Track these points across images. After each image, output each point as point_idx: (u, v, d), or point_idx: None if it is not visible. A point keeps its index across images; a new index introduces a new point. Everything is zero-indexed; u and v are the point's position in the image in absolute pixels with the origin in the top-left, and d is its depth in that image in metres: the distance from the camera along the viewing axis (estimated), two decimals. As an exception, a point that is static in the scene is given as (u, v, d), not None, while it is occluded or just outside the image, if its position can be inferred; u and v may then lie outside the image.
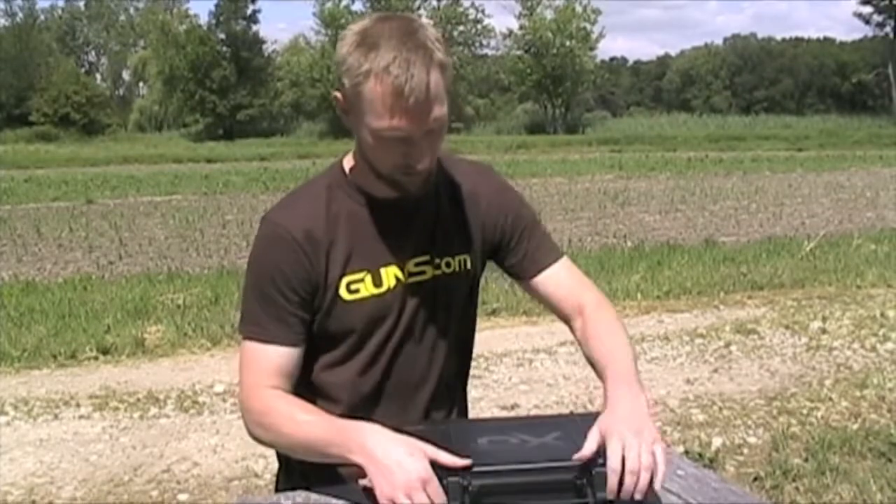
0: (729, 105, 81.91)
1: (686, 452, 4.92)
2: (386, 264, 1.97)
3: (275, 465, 2.21)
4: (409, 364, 2.04)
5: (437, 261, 2.03)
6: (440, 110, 1.78)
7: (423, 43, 1.74)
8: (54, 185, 27.04)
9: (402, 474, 1.62)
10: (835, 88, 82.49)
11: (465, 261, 2.08)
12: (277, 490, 2.11)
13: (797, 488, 4.57)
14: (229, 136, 59.04)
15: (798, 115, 72.10)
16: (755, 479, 4.71)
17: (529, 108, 71.26)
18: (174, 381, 6.76)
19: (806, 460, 4.92)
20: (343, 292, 1.95)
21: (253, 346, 1.94)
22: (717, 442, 5.24)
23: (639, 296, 9.37)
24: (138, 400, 6.30)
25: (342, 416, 1.91)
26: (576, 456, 1.66)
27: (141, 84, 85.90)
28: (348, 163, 2.02)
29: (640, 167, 31.31)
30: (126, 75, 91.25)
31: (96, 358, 7.49)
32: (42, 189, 26.03)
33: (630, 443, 1.66)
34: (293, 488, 1.92)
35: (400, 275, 1.98)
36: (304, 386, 1.99)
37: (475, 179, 2.12)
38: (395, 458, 1.65)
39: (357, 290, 1.95)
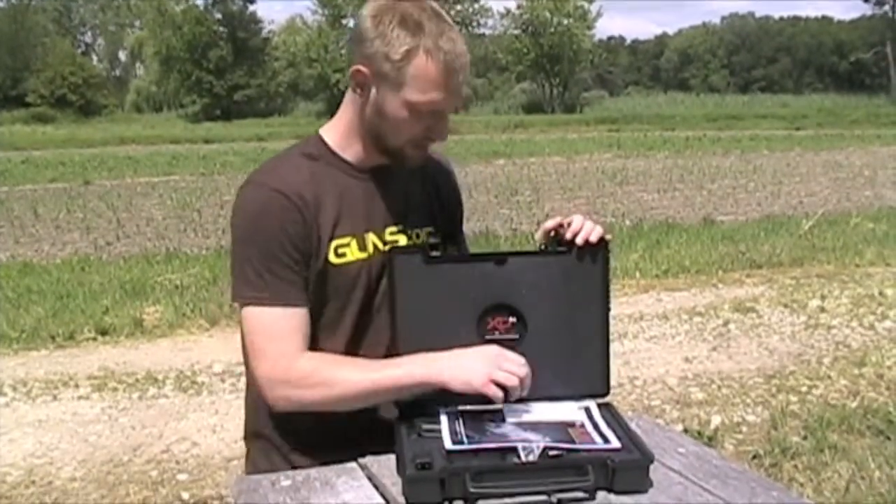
0: (727, 84, 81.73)
1: (685, 430, 4.92)
2: (367, 230, 2.01)
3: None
4: (378, 334, 2.04)
5: (409, 231, 2.08)
6: (467, 88, 1.89)
7: (452, 23, 1.88)
8: (51, 167, 26.97)
9: (482, 361, 1.82)
10: (833, 67, 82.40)
11: (432, 233, 2.13)
12: (254, 439, 2.17)
13: (796, 466, 4.58)
14: (227, 117, 58.81)
15: (796, 94, 72.01)
16: (754, 456, 4.71)
17: (527, 88, 71.05)
18: (173, 361, 6.75)
19: (805, 438, 4.93)
20: (332, 256, 1.97)
21: (266, 312, 1.91)
22: (716, 420, 5.25)
23: (637, 274, 9.37)
24: (137, 380, 6.30)
25: None
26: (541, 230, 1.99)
27: (138, 65, 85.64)
28: (330, 134, 2.05)
29: (638, 146, 31.23)
30: (122, 56, 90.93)
31: (95, 339, 7.49)
32: (39, 170, 25.96)
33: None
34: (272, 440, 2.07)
35: (378, 242, 2.03)
36: None
37: (434, 164, 2.22)
38: (468, 358, 1.84)
39: (344, 255, 1.98)
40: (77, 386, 6.21)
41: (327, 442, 1.96)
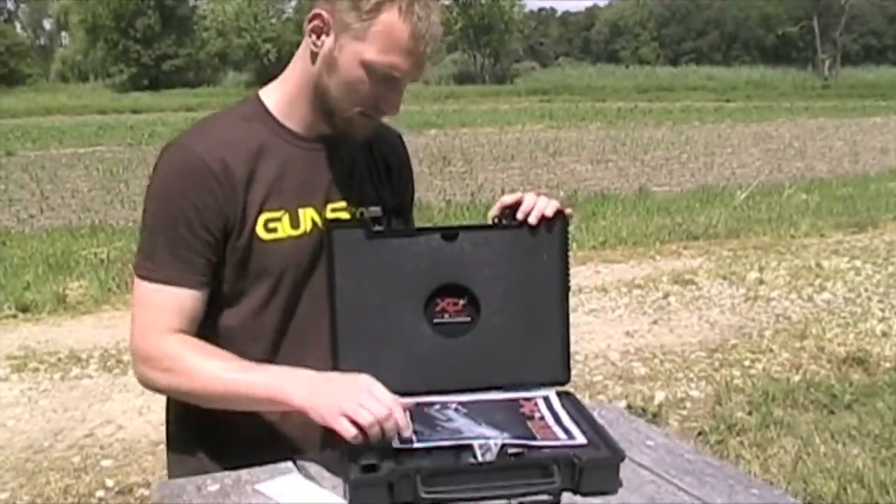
0: (656, 56, 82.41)
1: (629, 407, 4.83)
2: (303, 205, 1.83)
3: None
4: (311, 319, 1.86)
5: (354, 209, 1.88)
6: (430, 65, 1.78)
7: None
8: (-29, 137, 26.25)
9: (342, 391, 1.56)
10: (760, 41, 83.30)
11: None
12: (170, 449, 2.00)
13: (742, 443, 4.51)
14: (154, 87, 57.91)
15: (725, 66, 72.76)
16: (699, 433, 4.64)
17: (458, 59, 71.04)
18: (97, 339, 6.50)
19: (750, 413, 4.87)
20: (260, 230, 1.79)
21: (150, 287, 1.76)
22: (659, 396, 5.16)
23: (574, 246, 9.24)
24: (59, 360, 6.04)
25: (262, 359, 1.78)
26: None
27: (63, 33, 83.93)
28: (270, 97, 1.87)
29: (570, 117, 31.31)
30: (47, 24, 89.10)
31: (15, 316, 7.19)
32: (-41, 141, 25.24)
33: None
34: (187, 446, 1.90)
35: (317, 218, 1.84)
36: (217, 330, 1.82)
37: (391, 142, 2.06)
38: (331, 384, 1.60)
39: (275, 230, 1.80)
40: (-5, 366, 5.94)
41: (248, 446, 1.79)
